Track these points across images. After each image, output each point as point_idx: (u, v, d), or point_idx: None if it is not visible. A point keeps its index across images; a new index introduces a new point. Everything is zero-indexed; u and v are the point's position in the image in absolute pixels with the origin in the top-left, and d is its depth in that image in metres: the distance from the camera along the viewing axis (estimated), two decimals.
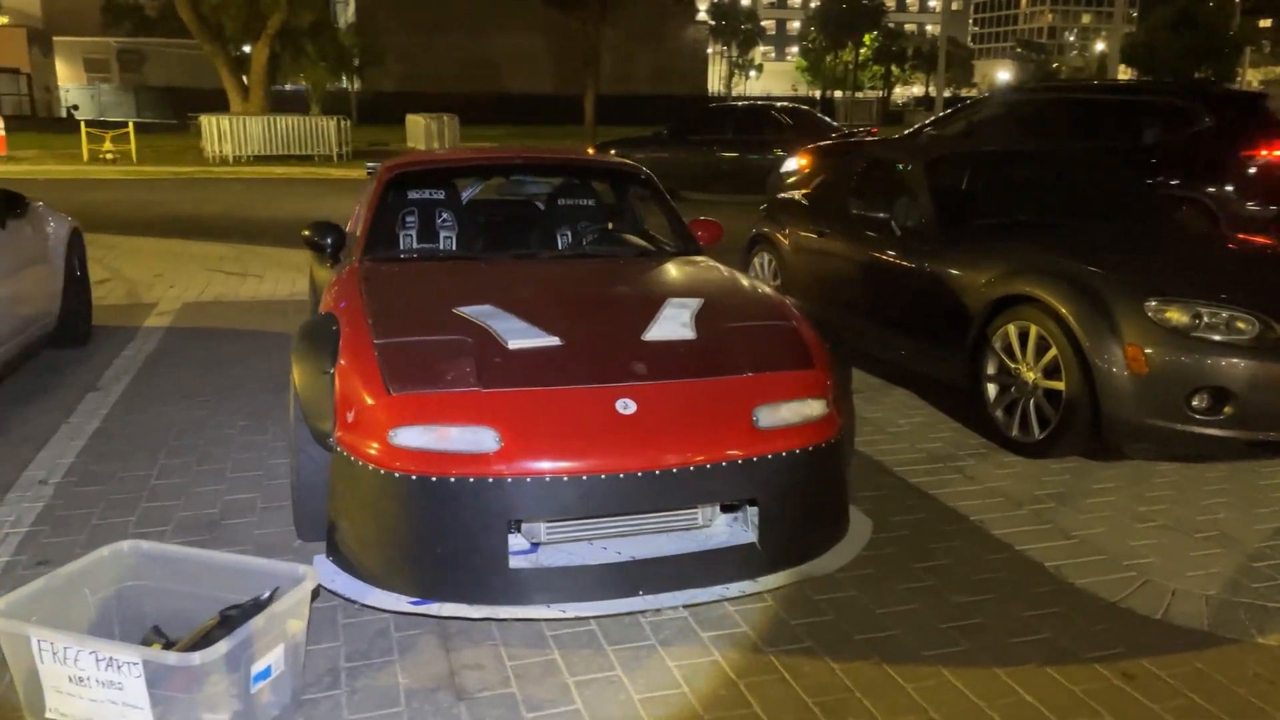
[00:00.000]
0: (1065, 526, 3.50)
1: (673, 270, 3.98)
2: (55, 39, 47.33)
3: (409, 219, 4.35)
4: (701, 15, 52.69)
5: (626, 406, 2.75)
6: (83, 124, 22.93)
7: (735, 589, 2.77)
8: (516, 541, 2.77)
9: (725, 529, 2.92)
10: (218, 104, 26.28)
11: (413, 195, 4.41)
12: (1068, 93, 9.42)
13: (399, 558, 2.67)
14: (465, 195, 4.60)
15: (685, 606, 2.81)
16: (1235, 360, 3.67)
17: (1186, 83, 11.89)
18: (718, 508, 2.94)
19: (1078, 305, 3.93)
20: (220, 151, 22.08)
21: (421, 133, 25.99)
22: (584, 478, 2.62)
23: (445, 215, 4.39)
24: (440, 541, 2.62)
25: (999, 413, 4.32)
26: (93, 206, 12.88)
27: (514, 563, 2.67)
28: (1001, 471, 4.04)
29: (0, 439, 4.19)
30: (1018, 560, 3.23)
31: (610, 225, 4.56)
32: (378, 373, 2.80)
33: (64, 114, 40.30)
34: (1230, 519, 3.58)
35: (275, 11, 25.68)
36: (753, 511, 2.85)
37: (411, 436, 2.65)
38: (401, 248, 4.23)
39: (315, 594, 2.49)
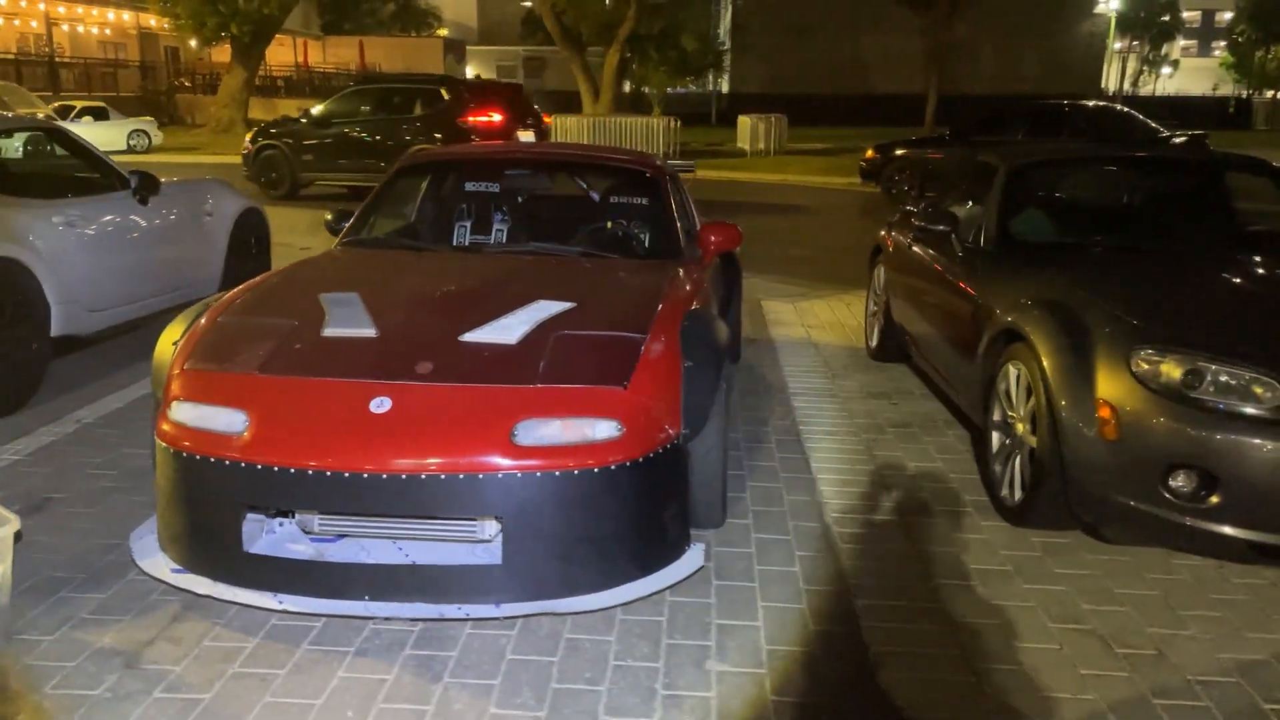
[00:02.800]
0: (959, 609, 2.90)
1: (600, 273, 3.81)
2: (469, 48, 53.86)
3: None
4: (1101, 8, 47.77)
5: (381, 405, 2.72)
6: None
7: (473, 611, 2.64)
8: (288, 529, 2.85)
9: (476, 547, 2.78)
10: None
11: (411, 186, 4.58)
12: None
13: (164, 527, 2.87)
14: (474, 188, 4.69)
15: (414, 620, 2.72)
16: (1231, 435, 2.80)
17: (436, 76, 17.10)
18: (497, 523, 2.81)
19: (1057, 347, 3.21)
20: None
21: (748, 132, 26.37)
22: (314, 473, 2.63)
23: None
24: (189, 516, 2.78)
25: (998, 465, 3.64)
26: None
27: (256, 547, 2.76)
28: (964, 536, 3.41)
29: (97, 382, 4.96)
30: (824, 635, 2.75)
31: (607, 224, 4.44)
32: (188, 347, 3.01)
33: None
34: (1189, 643, 2.76)
35: (625, 20, 27.35)
36: (502, 532, 2.70)
37: (182, 411, 2.82)
38: (378, 235, 4.37)
39: (18, 537, 2.73)
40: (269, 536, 2.82)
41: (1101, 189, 4.68)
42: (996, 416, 3.66)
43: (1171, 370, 2.95)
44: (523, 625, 2.75)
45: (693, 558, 2.96)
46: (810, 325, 6.76)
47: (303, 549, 2.79)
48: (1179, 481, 2.87)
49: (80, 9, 33.28)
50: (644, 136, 24.09)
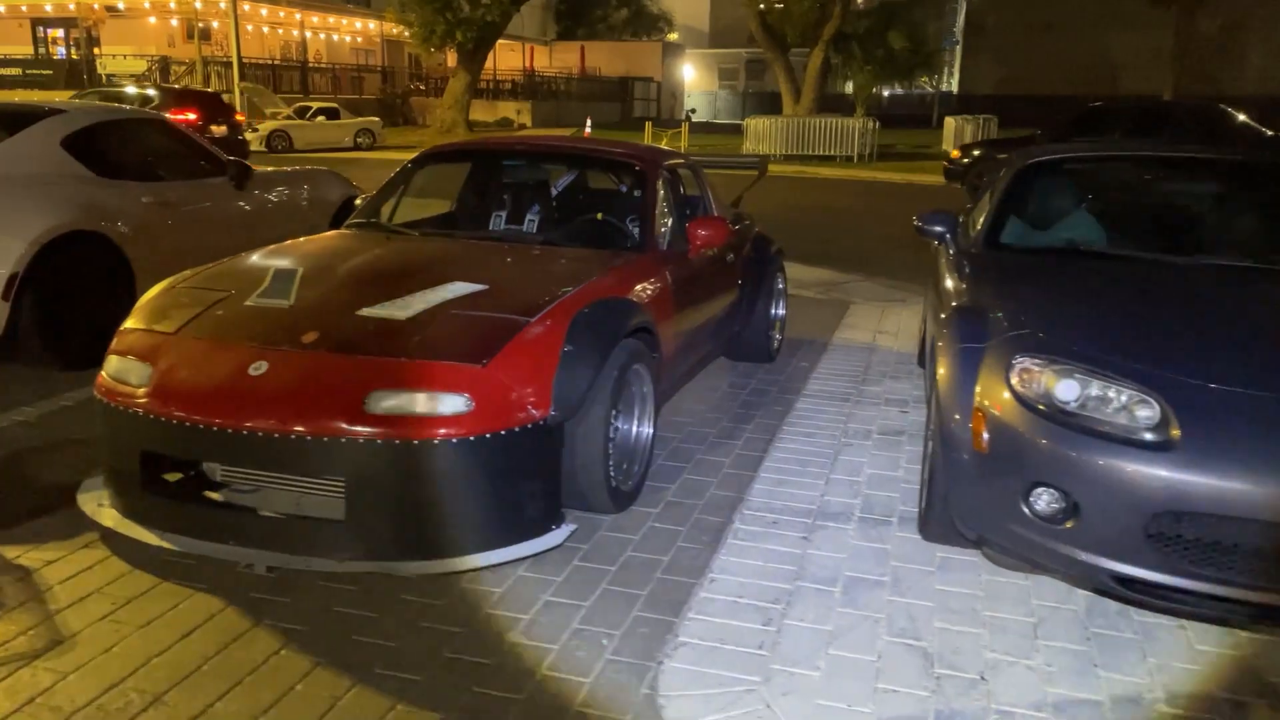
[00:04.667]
0: (797, 612, 2.82)
1: (539, 260, 3.94)
2: (695, 51, 54.75)
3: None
4: None
5: (258, 369, 3.01)
6: (649, 124, 26.53)
7: (318, 563, 2.88)
8: (194, 477, 3.19)
9: (326, 505, 2.99)
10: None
11: (427, 176, 4.86)
12: None
13: (101, 467, 3.29)
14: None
15: (270, 569, 2.97)
16: (1093, 456, 2.57)
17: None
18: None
19: (951, 353, 3.04)
20: (754, 150, 23.96)
21: (953, 134, 25.32)
22: (195, 425, 2.95)
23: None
24: (109, 458, 3.18)
25: (924, 475, 3.47)
26: None
27: (153, 490, 3.11)
28: (864, 544, 3.28)
29: None
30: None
31: (578, 214, 4.55)
32: (137, 309, 3.43)
33: (683, 116, 46.59)
34: (1024, 672, 2.56)
35: (831, 20, 26.94)
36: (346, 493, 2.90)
37: (111, 365, 3.23)
38: (373, 220, 4.59)
39: None
40: (171, 481, 3.17)
41: (1128, 189, 4.28)
42: (932, 424, 3.49)
43: (1049, 382, 2.74)
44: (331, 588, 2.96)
45: (550, 538, 3.06)
46: (883, 330, 6.56)
47: (188, 494, 3.11)
48: (1041, 502, 2.67)
49: (332, 19, 36.66)
50: (838, 138, 23.69)
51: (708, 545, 3.27)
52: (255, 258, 3.91)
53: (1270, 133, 12.57)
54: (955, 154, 15.78)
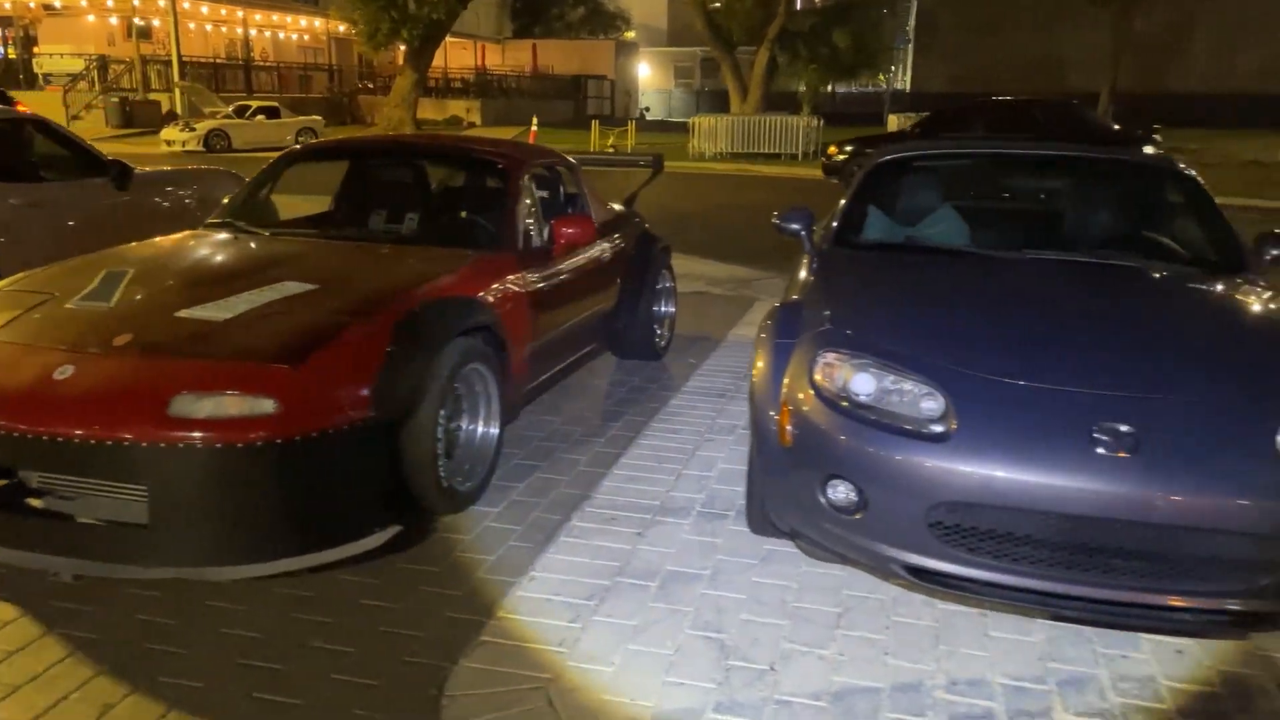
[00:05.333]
0: (610, 608, 2.84)
1: (380, 259, 3.93)
2: (650, 50, 54.79)
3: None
4: None
5: (64, 372, 2.96)
6: (595, 122, 26.49)
7: (124, 570, 2.84)
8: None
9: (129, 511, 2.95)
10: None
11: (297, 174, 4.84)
12: None
13: None
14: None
15: (76, 577, 2.93)
16: (877, 448, 2.61)
17: None
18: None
19: (766, 349, 3.07)
20: (699, 148, 24.01)
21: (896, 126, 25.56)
22: (1, 431, 2.91)
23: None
24: None
25: None
26: None
27: None
28: (697, 538, 3.31)
29: None
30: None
31: (430, 213, 4.54)
32: None
33: (638, 115, 46.59)
34: (816, 662, 2.59)
35: (776, 18, 27.08)
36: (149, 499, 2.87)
37: None
38: (228, 219, 4.51)
39: None
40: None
41: (973, 186, 4.34)
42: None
43: (846, 376, 2.78)
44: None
45: (370, 540, 3.04)
46: None
47: (6, 501, 3.05)
48: (836, 493, 2.71)
49: (276, 17, 36.22)
50: (783, 136, 23.79)
51: (539, 544, 3.27)
52: (93, 259, 3.85)
53: (1118, 127, 13.34)
54: (833, 151, 16.37)
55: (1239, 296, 3.34)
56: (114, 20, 33.18)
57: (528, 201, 4.47)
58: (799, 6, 36.97)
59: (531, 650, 2.62)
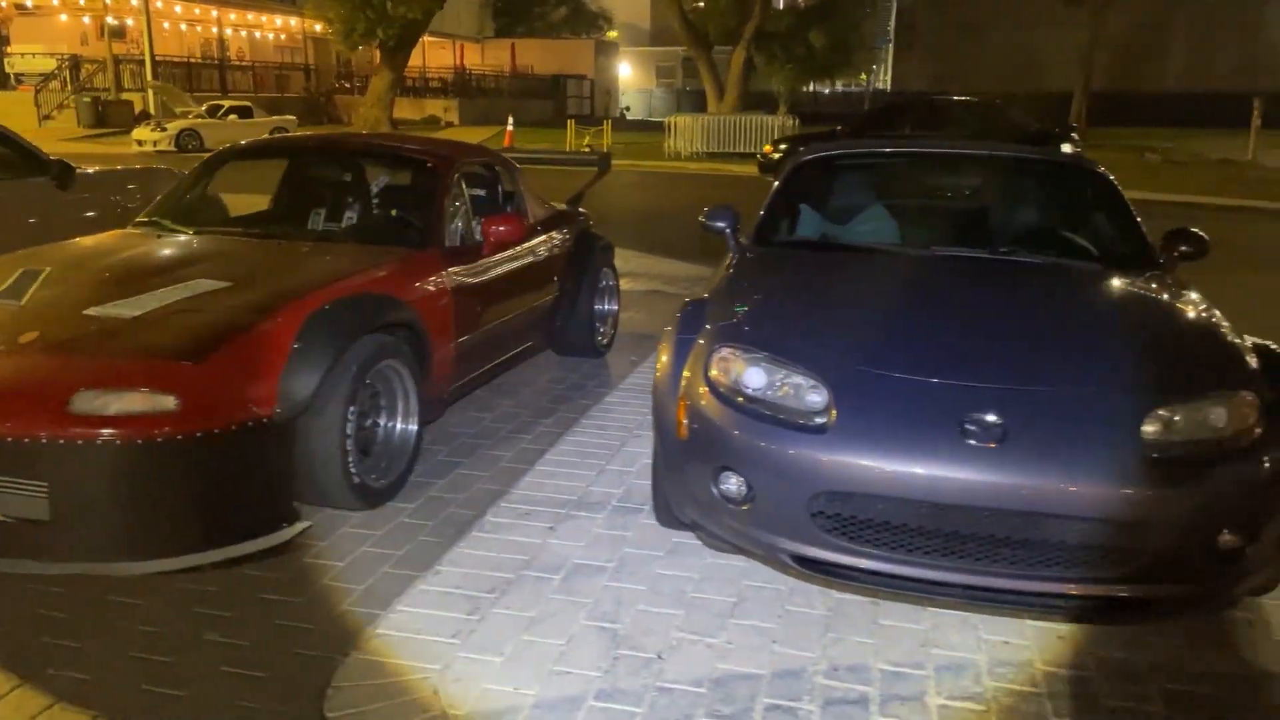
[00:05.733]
0: (505, 602, 2.88)
1: (304, 258, 3.96)
2: (633, 49, 54.88)
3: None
4: None
5: None
6: (571, 121, 26.48)
7: (25, 566, 2.86)
8: None
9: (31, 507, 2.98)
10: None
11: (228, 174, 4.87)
12: None
13: None
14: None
15: None
16: (762, 440, 2.66)
17: None
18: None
19: (669, 345, 3.12)
20: (675, 147, 24.06)
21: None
22: None
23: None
24: None
25: None
26: None
27: None
28: (608, 532, 3.35)
29: None
30: None
31: (360, 211, 4.58)
32: None
33: (618, 114, 46.60)
34: (703, 650, 2.65)
35: (752, 18, 27.15)
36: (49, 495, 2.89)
37: None
38: (156, 218, 4.55)
39: None
40: None
41: (893, 185, 4.39)
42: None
43: (739, 370, 2.83)
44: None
45: (276, 535, 3.07)
46: None
47: None
48: (728, 485, 2.76)
49: (250, 16, 36.05)
50: (758, 136, 23.85)
51: (449, 539, 3.31)
52: (12, 258, 3.87)
53: (1037, 124, 13.90)
54: (768, 149, 16.72)
55: (1134, 291, 3.40)
56: (87, 19, 32.96)
57: (456, 200, 4.51)
58: (782, 5, 37.15)
59: (424, 642, 2.66)
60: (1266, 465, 2.49)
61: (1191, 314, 3.14)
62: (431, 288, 3.99)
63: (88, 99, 27.39)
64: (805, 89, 37.42)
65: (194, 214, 4.50)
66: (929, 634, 2.76)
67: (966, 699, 2.47)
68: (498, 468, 3.97)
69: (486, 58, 46.12)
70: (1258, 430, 2.53)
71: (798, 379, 2.74)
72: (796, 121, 24.54)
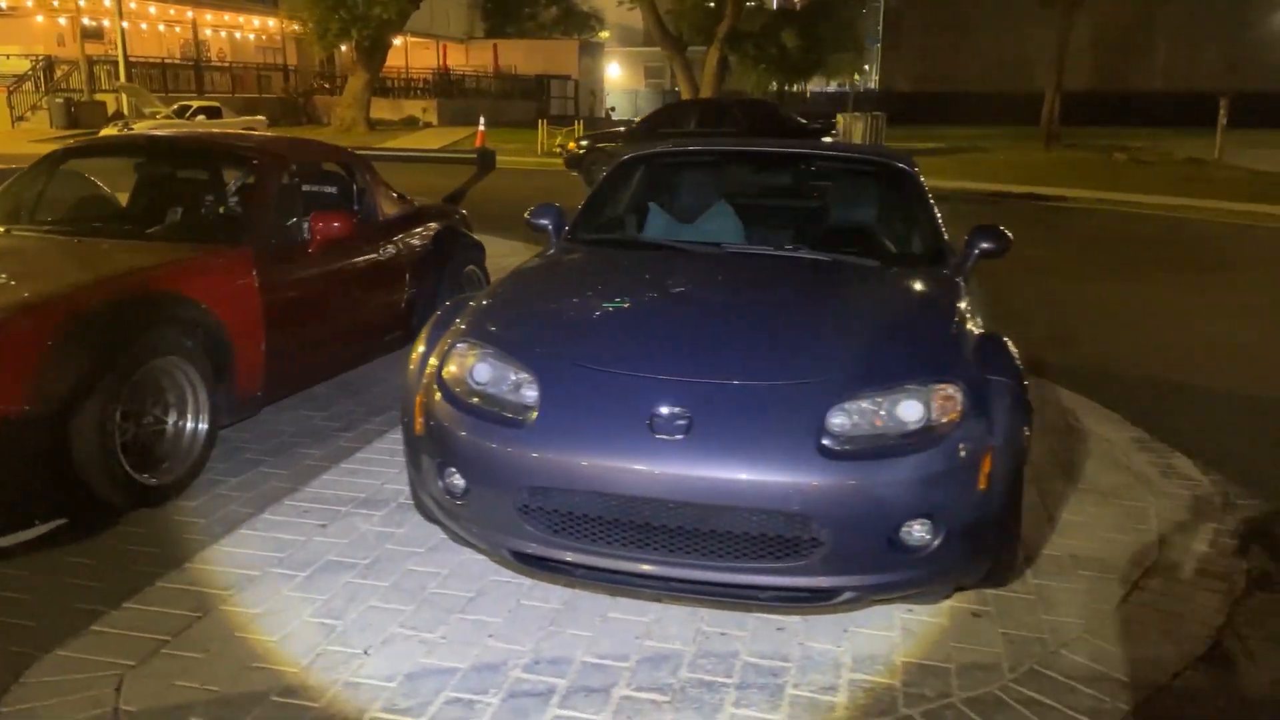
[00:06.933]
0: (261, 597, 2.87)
1: (92, 255, 3.94)
2: (621, 50, 54.94)
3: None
4: None
5: None
6: (543, 122, 26.46)
7: None
8: None
9: None
10: None
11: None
12: None
13: None
14: None
15: None
16: (475, 436, 2.65)
17: None
18: None
19: (422, 340, 3.11)
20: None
21: (843, 130, 25.66)
22: None
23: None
24: None
25: None
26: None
27: None
28: (375, 529, 3.34)
29: None
30: None
31: (207, 210, 4.58)
32: None
33: (603, 114, 46.59)
34: (414, 645, 2.64)
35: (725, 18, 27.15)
36: None
37: None
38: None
39: None
40: None
41: (703, 184, 4.37)
42: None
43: (469, 365, 2.82)
44: None
45: (23, 534, 3.06)
46: None
47: None
48: (452, 479, 2.75)
49: (228, 16, 36.05)
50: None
51: (216, 537, 3.30)
52: None
53: (804, 121, 15.94)
54: (572, 145, 17.52)
55: (886, 288, 3.39)
56: (63, 20, 32.95)
57: (285, 198, 4.49)
58: (762, 5, 37.10)
59: (134, 639, 2.65)
60: (961, 457, 2.48)
61: (930, 310, 3.13)
62: (240, 285, 3.97)
63: (60, 100, 27.41)
64: (792, 89, 37.40)
65: (16, 212, 4.48)
66: (650, 626, 2.75)
67: (652, 690, 2.46)
68: (300, 466, 3.95)
69: (471, 58, 46.09)
70: (954, 424, 2.51)
71: (517, 375, 2.73)
72: None
